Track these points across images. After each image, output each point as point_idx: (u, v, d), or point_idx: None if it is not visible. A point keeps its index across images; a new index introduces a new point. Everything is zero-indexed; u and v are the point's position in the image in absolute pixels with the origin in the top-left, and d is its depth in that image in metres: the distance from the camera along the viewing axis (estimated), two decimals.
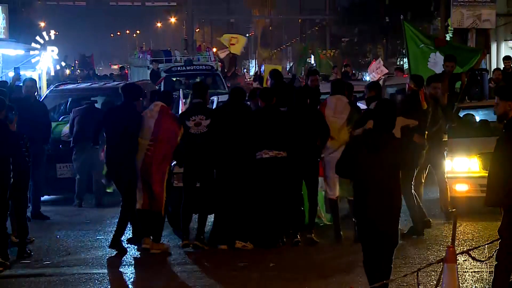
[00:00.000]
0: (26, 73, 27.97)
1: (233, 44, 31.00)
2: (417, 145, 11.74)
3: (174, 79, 29.29)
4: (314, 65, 37.92)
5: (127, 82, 12.72)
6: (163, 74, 28.78)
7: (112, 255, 11.36)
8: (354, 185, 8.08)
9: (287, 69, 73.53)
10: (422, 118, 11.84)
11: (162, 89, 26.19)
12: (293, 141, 11.50)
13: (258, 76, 25.46)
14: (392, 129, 7.97)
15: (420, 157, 11.93)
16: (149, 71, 30.87)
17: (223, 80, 28.30)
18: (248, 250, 11.33)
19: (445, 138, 13.06)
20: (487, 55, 27.42)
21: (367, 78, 36.15)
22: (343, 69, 30.96)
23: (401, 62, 48.22)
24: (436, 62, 15.40)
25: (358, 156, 7.89)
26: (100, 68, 46.53)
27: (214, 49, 36.51)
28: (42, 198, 14.61)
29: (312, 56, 35.09)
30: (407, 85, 12.59)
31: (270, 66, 19.28)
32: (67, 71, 43.57)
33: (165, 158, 11.30)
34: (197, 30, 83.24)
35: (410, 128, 11.55)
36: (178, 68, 29.99)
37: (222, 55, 33.21)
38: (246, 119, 11.46)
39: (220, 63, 33.61)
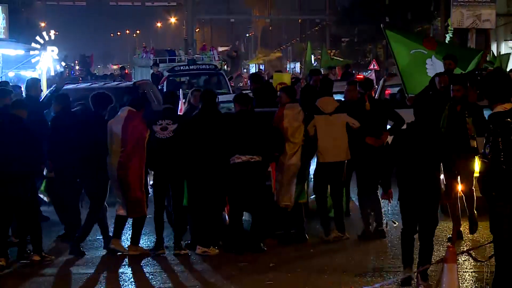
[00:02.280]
0: (26, 73, 27.97)
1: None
2: (376, 147, 11.83)
3: (177, 79, 29.22)
4: (315, 64, 37.91)
5: (97, 91, 12.80)
6: (165, 74, 28.69)
7: (111, 255, 11.38)
8: (398, 172, 9.24)
9: (288, 69, 73.58)
10: (368, 122, 11.86)
11: (164, 89, 26.18)
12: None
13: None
14: (430, 122, 9.24)
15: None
16: (151, 71, 30.80)
17: (227, 80, 28.22)
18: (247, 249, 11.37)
19: (474, 144, 11.70)
20: (487, 55, 27.40)
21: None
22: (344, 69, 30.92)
23: (396, 68, 48.21)
24: (435, 67, 15.35)
25: (403, 146, 9.18)
26: (99, 67, 46.57)
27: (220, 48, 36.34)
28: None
29: (312, 56, 35.10)
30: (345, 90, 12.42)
31: (279, 75, 19.06)
32: (67, 71, 43.54)
33: (139, 163, 11.25)
34: (197, 30, 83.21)
35: (353, 128, 11.73)
36: (181, 67, 29.88)
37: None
38: (216, 125, 11.38)
39: (224, 62, 33.51)
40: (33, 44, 38.70)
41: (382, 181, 9.68)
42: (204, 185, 11.25)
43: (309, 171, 12.19)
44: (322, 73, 26.45)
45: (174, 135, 11.34)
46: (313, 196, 12.57)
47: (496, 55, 23.04)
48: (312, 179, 12.27)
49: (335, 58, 34.40)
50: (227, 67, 33.89)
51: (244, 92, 16.50)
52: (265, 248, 11.38)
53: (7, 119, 11.01)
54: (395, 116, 12.16)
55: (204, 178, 11.24)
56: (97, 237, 12.22)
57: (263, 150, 11.40)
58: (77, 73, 45.94)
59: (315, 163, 12.03)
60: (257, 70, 63.14)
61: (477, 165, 12.52)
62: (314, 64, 36.03)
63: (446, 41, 29.84)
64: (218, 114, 11.69)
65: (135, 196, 11.23)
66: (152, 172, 11.88)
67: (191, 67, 29.79)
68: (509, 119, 7.63)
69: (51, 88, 17.95)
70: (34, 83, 14.02)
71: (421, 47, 15.65)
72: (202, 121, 11.44)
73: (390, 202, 10.04)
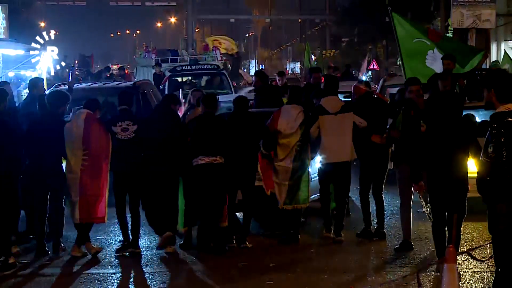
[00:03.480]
0: (26, 73, 27.97)
1: (217, 47, 30.84)
2: (381, 145, 11.72)
3: (179, 79, 29.17)
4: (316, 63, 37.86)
5: (55, 89, 12.79)
6: (167, 74, 28.62)
7: (112, 255, 11.39)
8: (429, 167, 9.68)
9: (288, 69, 73.57)
10: (376, 119, 11.75)
11: (166, 89, 26.18)
12: (232, 147, 11.55)
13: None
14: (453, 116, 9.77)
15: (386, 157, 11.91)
16: (153, 71, 30.72)
17: (229, 80, 28.17)
18: (248, 249, 11.40)
19: None
20: (488, 56, 27.44)
21: (363, 78, 36.13)
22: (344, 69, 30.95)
23: (399, 53, 48.20)
24: (435, 60, 15.36)
25: (433, 140, 9.72)
26: (98, 66, 46.54)
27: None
28: None
29: (313, 56, 35.04)
30: (353, 88, 12.37)
31: None
32: (66, 71, 43.51)
33: (102, 165, 11.23)
34: (197, 30, 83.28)
35: (360, 128, 11.63)
36: (183, 67, 29.77)
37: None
38: (174, 125, 11.44)
39: (228, 62, 33.38)
40: (33, 44, 38.70)
41: (413, 174, 9.96)
42: (161, 185, 11.30)
43: (308, 173, 12.16)
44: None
45: (135, 136, 11.38)
46: (313, 196, 12.57)
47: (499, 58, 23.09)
48: (312, 180, 12.25)
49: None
50: (230, 66, 33.78)
51: (248, 90, 16.47)
52: (230, 246, 11.43)
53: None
54: (394, 114, 12.13)
55: (161, 179, 11.29)
56: (97, 237, 12.22)
57: (226, 152, 11.38)
58: (77, 73, 45.84)
59: (320, 164, 11.94)
60: (257, 70, 63.13)
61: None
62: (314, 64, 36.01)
63: None
64: (176, 114, 11.71)
65: (96, 201, 11.19)
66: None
67: (193, 67, 29.68)
68: (510, 119, 7.62)
69: (52, 88, 17.98)
70: (37, 83, 14.04)
71: (425, 38, 15.65)
72: (156, 121, 11.51)
73: (421, 195, 10.19)
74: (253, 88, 20.30)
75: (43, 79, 16.18)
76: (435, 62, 15.28)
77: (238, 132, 11.56)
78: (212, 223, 11.31)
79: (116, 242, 12.06)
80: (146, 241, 11.83)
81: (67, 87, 17.90)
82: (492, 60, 25.62)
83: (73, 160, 11.20)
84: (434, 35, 15.96)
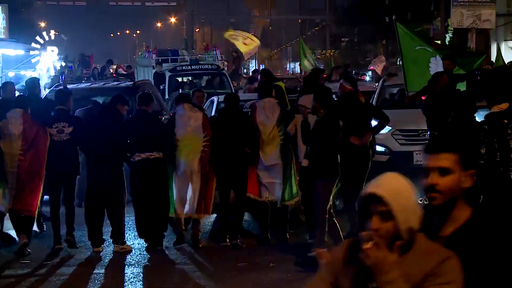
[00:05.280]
0: (26, 73, 27.97)
1: (245, 44, 30.15)
2: (360, 146, 11.56)
3: (180, 79, 29.12)
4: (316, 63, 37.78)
5: None
6: (167, 74, 28.60)
7: (112, 255, 11.40)
8: None
9: (288, 69, 73.58)
10: (357, 120, 11.49)
11: (166, 89, 26.14)
12: (220, 146, 11.58)
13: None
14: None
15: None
16: (154, 71, 30.70)
17: (230, 80, 28.14)
18: (247, 249, 11.39)
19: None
20: (489, 58, 27.43)
21: (367, 78, 36.15)
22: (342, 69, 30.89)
23: (401, 62, 48.18)
24: (438, 66, 15.37)
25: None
26: (98, 65, 46.57)
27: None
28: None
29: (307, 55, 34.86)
30: (339, 86, 12.21)
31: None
32: (66, 71, 43.51)
33: (38, 163, 11.28)
34: (197, 30, 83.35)
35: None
36: (184, 67, 29.74)
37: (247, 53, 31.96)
38: (114, 124, 11.51)
39: (226, 62, 33.37)
40: (33, 44, 38.71)
41: None
42: (104, 183, 11.40)
43: (294, 169, 11.98)
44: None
45: (71, 137, 11.42)
46: None
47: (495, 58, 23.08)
48: None
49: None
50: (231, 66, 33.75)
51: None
52: (224, 245, 11.50)
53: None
54: (381, 114, 12.01)
55: (104, 179, 11.38)
56: None
57: (168, 147, 11.49)
58: (80, 74, 45.83)
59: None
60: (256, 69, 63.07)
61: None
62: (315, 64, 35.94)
63: (446, 42, 29.84)
64: (118, 112, 11.73)
65: (30, 194, 11.26)
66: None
67: (193, 67, 29.64)
68: (505, 120, 7.59)
69: (52, 88, 17.99)
70: (33, 82, 14.07)
71: (427, 45, 15.65)
72: (97, 122, 11.58)
73: None
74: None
75: (39, 79, 16.20)
76: (437, 68, 15.31)
77: (228, 130, 11.59)
78: (155, 218, 11.49)
79: None
80: (144, 242, 11.83)
81: (69, 86, 18.06)
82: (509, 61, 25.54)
83: (9, 156, 11.25)
84: (436, 43, 15.99)
